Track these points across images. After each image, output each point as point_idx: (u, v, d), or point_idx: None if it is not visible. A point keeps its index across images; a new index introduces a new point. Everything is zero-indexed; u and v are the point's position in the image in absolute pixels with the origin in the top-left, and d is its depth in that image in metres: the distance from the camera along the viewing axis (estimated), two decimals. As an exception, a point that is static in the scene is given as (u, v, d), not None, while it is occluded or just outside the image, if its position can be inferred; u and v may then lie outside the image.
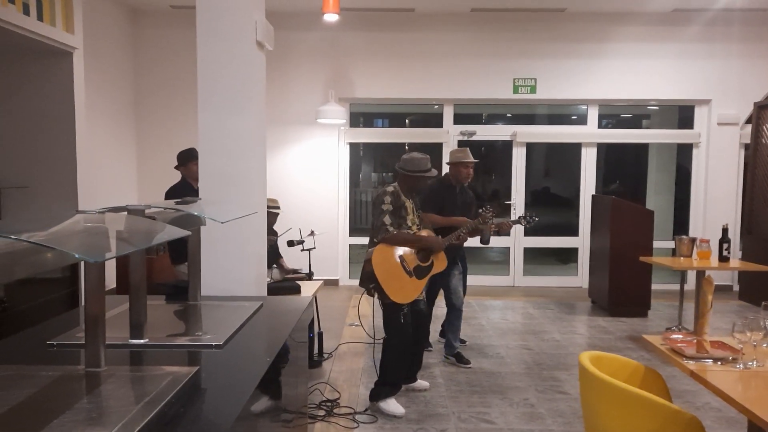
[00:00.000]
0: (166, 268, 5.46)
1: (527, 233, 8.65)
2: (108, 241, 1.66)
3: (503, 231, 4.75)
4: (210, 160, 3.35)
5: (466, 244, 4.96)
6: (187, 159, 4.95)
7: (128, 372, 1.88)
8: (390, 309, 4.01)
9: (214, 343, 2.18)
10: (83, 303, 1.98)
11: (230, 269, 3.38)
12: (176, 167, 5.07)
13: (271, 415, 2.29)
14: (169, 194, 4.82)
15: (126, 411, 1.50)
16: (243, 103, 3.38)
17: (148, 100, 8.08)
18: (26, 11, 4.93)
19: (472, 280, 8.54)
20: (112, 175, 7.45)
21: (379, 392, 4.08)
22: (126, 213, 2.11)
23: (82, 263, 2.30)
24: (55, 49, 5.49)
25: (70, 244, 1.52)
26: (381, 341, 4.14)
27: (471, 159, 4.99)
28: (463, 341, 5.48)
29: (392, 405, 4.01)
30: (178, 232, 1.84)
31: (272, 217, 5.14)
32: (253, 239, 3.47)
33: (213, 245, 3.31)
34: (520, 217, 4.90)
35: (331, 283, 8.17)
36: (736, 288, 8.12)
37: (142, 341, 2.18)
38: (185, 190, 4.74)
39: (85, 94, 6.05)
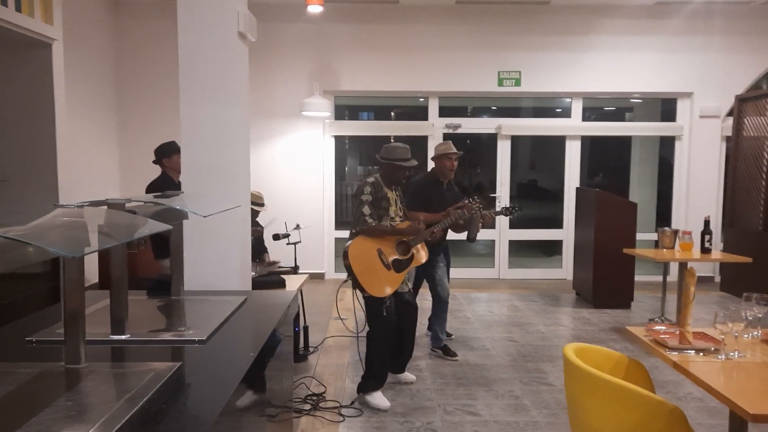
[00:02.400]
0: (150, 263, 5.40)
1: (512, 226, 8.68)
2: (87, 235, 1.63)
3: (487, 222, 4.75)
4: (192, 152, 3.32)
5: (451, 237, 4.96)
6: (168, 152, 4.89)
7: (109, 368, 1.85)
8: (372, 302, 4.00)
9: (197, 338, 2.16)
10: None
11: (214, 263, 3.35)
12: (154, 162, 5.00)
13: (255, 410, 2.28)
14: (150, 189, 4.76)
15: (106, 408, 1.48)
16: (226, 95, 3.35)
17: (130, 92, 7.98)
18: (4, 2, 4.83)
19: (457, 272, 8.61)
20: (94, 169, 7.36)
21: (365, 385, 4.08)
22: (106, 207, 2.07)
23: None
24: (34, 40, 5.40)
25: (47, 240, 1.49)
26: (364, 335, 4.14)
27: (454, 150, 4.98)
28: (449, 335, 5.48)
29: (378, 398, 4.01)
30: (159, 226, 1.81)
31: (254, 213, 5.10)
32: (236, 233, 3.45)
33: (196, 239, 3.29)
34: (503, 208, 4.90)
35: (316, 277, 8.14)
36: (718, 279, 8.20)
37: (123, 337, 2.15)
38: (166, 184, 4.69)
39: (66, 87, 5.95)
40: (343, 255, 4.00)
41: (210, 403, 1.66)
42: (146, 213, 2.33)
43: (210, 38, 3.34)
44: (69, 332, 1.78)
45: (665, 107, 8.99)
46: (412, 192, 4.80)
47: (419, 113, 8.74)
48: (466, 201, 4.55)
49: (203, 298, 2.85)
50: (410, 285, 4.30)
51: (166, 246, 3.53)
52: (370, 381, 4.06)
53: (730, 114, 8.15)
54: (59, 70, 5.80)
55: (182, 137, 3.32)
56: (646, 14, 8.10)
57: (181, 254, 2.83)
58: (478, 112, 9.84)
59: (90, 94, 7.27)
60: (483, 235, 8.67)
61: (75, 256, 1.55)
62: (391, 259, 4.04)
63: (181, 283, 2.84)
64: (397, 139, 8.61)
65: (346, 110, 9.40)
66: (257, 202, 5.16)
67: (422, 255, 4.26)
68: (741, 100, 7.79)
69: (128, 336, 2.16)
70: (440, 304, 5.06)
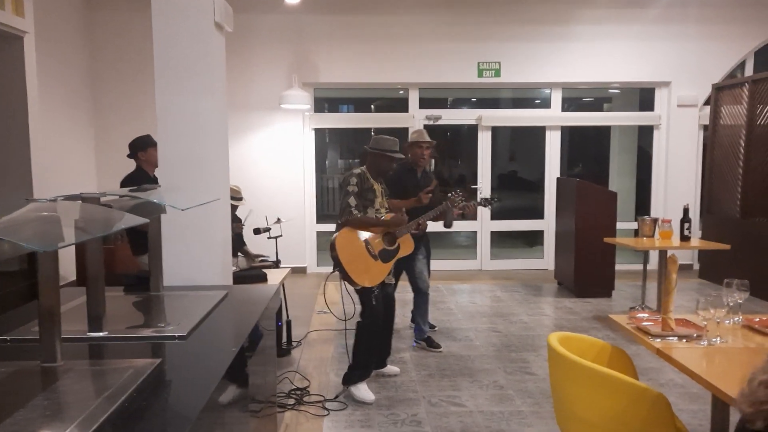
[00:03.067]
0: (128, 259, 5.32)
1: (494, 217, 8.70)
2: (60, 230, 1.58)
3: (468, 214, 4.75)
4: (169, 144, 3.25)
5: (431, 229, 4.95)
6: (143, 146, 4.80)
7: (86, 366, 1.81)
8: (362, 292, 4.01)
9: (177, 334, 2.12)
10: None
11: (193, 258, 3.30)
12: (129, 156, 4.91)
13: (238, 406, 2.24)
14: (125, 183, 4.68)
15: (84, 407, 1.44)
16: (202, 86, 3.28)
17: (106, 85, 7.83)
18: (-28, -6, 4.71)
19: (439, 264, 8.62)
20: (69, 163, 7.22)
21: (350, 376, 4.06)
22: (80, 201, 2.02)
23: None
24: (4, 33, 5.27)
25: (20, 235, 1.44)
26: (352, 326, 4.11)
27: (426, 139, 4.96)
28: (432, 326, 5.48)
29: (363, 391, 4.00)
30: (135, 220, 1.77)
31: (232, 208, 5.04)
32: (216, 226, 3.39)
33: (175, 233, 3.23)
34: (483, 200, 4.91)
35: (299, 271, 8.09)
36: (697, 266, 8.30)
37: (101, 334, 2.10)
38: (141, 178, 4.60)
39: (39, 80, 5.83)
40: (330, 247, 3.96)
41: (191, 399, 1.62)
42: (122, 207, 2.27)
43: (186, 28, 3.27)
44: (44, 330, 1.73)
45: (643, 97, 9.06)
46: (388, 180, 4.76)
47: (400, 105, 8.70)
48: (450, 195, 4.55)
49: (183, 293, 2.80)
50: (393, 277, 4.28)
51: (143, 242, 3.48)
52: (356, 372, 4.04)
53: (707, 103, 8.23)
54: (31, 64, 5.67)
55: (158, 129, 3.25)
56: (623, 3, 8.13)
57: (160, 249, 2.78)
58: (458, 103, 9.84)
59: (64, 87, 7.13)
60: (465, 226, 8.76)
61: (48, 250, 1.50)
62: (378, 249, 4.02)
63: (161, 278, 2.78)
64: (378, 131, 8.65)
65: (326, 103, 9.34)
66: (235, 196, 5.10)
67: (409, 245, 4.25)
68: (717, 89, 7.87)
69: (106, 333, 2.11)
70: (421, 296, 5.06)
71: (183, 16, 3.27)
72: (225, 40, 3.66)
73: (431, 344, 5.04)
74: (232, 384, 2.10)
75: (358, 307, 4.14)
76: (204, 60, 3.31)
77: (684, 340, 2.59)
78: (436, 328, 5.59)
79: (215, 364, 1.89)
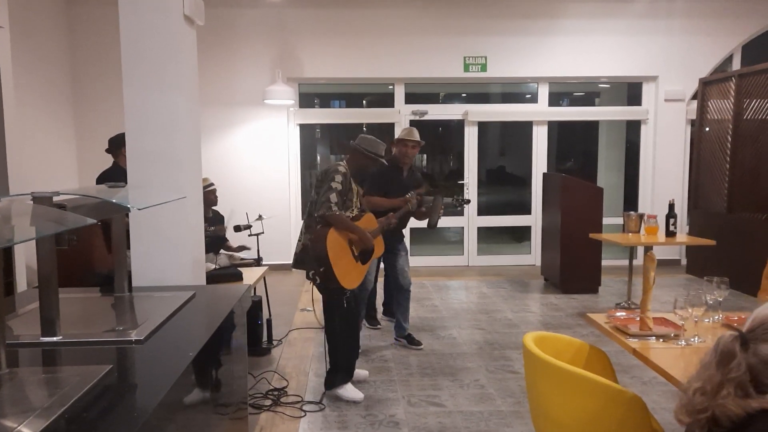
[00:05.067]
0: (106, 257, 5.22)
1: (481, 212, 8.64)
2: (-3, 231, 1.50)
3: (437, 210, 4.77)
4: (137, 139, 3.17)
5: (417, 225, 4.90)
6: (121, 144, 4.71)
7: (32, 374, 1.72)
8: (334, 294, 3.86)
9: (134, 338, 2.04)
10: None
11: (164, 257, 3.22)
12: (107, 151, 4.82)
13: (200, 411, 2.17)
14: (101, 180, 4.58)
15: (18, 419, 1.36)
16: (171, 80, 3.20)
17: (86, 79, 7.70)
18: (-59, -14, 4.58)
19: (426, 260, 8.59)
20: (50, 160, 7.10)
21: (333, 380, 3.95)
22: (31, 201, 1.93)
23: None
24: (-24, 27, 5.15)
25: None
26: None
27: (415, 138, 4.88)
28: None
29: (350, 391, 3.91)
30: (83, 221, 1.68)
31: (211, 195, 4.93)
32: (187, 225, 3.31)
33: (145, 231, 3.15)
34: (454, 198, 4.88)
35: (283, 268, 8.00)
36: (684, 262, 8.27)
37: (54, 339, 2.01)
38: (117, 175, 4.51)
39: (15, 76, 5.70)
40: (314, 242, 3.72)
41: (138, 408, 1.55)
42: (81, 206, 2.19)
43: (154, 21, 3.19)
44: (-15, 336, 1.65)
45: (631, 92, 9.01)
46: (372, 177, 4.69)
47: (390, 101, 8.61)
48: (407, 195, 4.49)
49: (148, 294, 2.71)
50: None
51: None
52: (339, 374, 3.94)
53: (694, 97, 8.19)
54: (6, 59, 5.54)
55: (126, 124, 3.16)
56: (610, -2, 8.08)
57: (124, 248, 2.69)
58: (447, 98, 9.75)
59: (43, 83, 7.00)
60: (452, 222, 8.70)
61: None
62: (359, 251, 3.93)
63: (125, 278, 2.70)
64: (367, 126, 8.57)
65: (316, 98, 9.24)
66: (207, 184, 4.97)
67: (381, 246, 4.16)
68: (705, 84, 7.82)
69: (60, 338, 2.02)
70: (402, 293, 4.99)
71: (151, 10, 3.19)
72: (200, 34, 3.58)
73: (412, 341, 4.98)
74: (192, 388, 2.02)
75: None
76: (173, 54, 3.22)
77: (661, 340, 2.54)
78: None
79: (170, 370, 1.81)
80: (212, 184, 4.98)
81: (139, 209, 2.18)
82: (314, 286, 3.80)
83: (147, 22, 3.15)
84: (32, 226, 1.66)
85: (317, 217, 3.75)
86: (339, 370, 3.96)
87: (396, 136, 5.01)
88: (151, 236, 3.14)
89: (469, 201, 4.90)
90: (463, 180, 8.56)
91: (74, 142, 7.72)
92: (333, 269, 3.68)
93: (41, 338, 2.03)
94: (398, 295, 5.01)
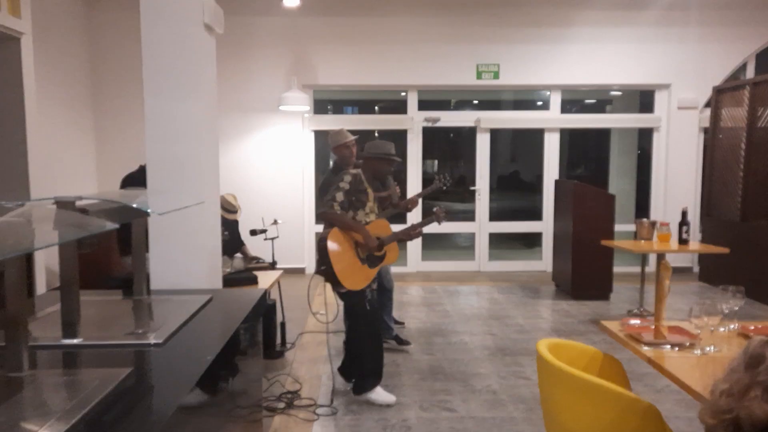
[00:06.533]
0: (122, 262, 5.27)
1: (492, 218, 8.64)
2: (24, 235, 1.53)
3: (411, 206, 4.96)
4: (156, 146, 3.21)
5: (430, 231, 4.94)
6: None
7: (53, 376, 1.75)
8: (352, 297, 3.89)
9: (153, 342, 2.07)
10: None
11: (181, 261, 3.25)
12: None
13: (216, 413, 2.19)
14: (126, 182, 4.63)
15: (41, 421, 1.39)
16: (191, 88, 3.24)
17: (107, 86, 7.78)
18: (-34, -6, 4.66)
19: (437, 266, 8.61)
20: (69, 164, 7.17)
21: (363, 385, 3.95)
22: (53, 205, 1.97)
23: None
24: (1, 34, 5.22)
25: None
26: (335, 329, 4.03)
27: (351, 138, 4.83)
28: (399, 322, 5.51)
29: (381, 394, 3.92)
30: (105, 225, 1.71)
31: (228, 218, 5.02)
32: (205, 229, 3.35)
33: (163, 236, 3.19)
34: (438, 178, 4.89)
35: (297, 272, 8.04)
36: (696, 269, 8.23)
37: (75, 341, 2.05)
38: (143, 178, 4.55)
39: (37, 82, 5.78)
40: (318, 243, 3.80)
41: (158, 411, 1.57)
42: (102, 210, 2.23)
43: (175, 30, 3.23)
44: (9, 337, 1.68)
45: (643, 99, 8.98)
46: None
47: (403, 107, 8.63)
48: (434, 210, 4.46)
49: (166, 297, 2.75)
50: (375, 283, 4.12)
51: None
52: (368, 379, 3.94)
53: (707, 105, 8.16)
54: (29, 66, 5.62)
55: (146, 131, 3.21)
56: (623, 5, 8.06)
57: (143, 252, 2.73)
58: (458, 105, 9.78)
59: (63, 89, 7.08)
60: (464, 228, 8.71)
61: (4, 257, 1.45)
62: (365, 254, 3.95)
63: (144, 282, 2.73)
64: (379, 133, 8.60)
65: (329, 105, 9.29)
66: (229, 209, 5.07)
67: (394, 254, 4.16)
68: (718, 91, 7.80)
69: (80, 340, 2.06)
70: (386, 293, 5.04)
71: (172, 18, 3.24)
72: (217, 42, 3.62)
73: (400, 342, 5.04)
74: (209, 392, 2.05)
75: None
76: (193, 62, 3.27)
77: (676, 349, 2.53)
78: (404, 324, 5.66)
79: (188, 373, 1.83)
80: (235, 212, 5.08)
81: (159, 214, 2.22)
82: (335, 294, 3.87)
83: (168, 30, 3.19)
84: (55, 231, 1.69)
85: (318, 214, 3.80)
86: (368, 375, 3.95)
87: (332, 142, 4.94)
88: (170, 240, 3.18)
89: (450, 180, 4.87)
90: (474, 186, 8.57)
91: (93, 146, 7.80)
92: (333, 268, 3.72)
93: (62, 341, 2.06)
94: (381, 296, 4.99)
